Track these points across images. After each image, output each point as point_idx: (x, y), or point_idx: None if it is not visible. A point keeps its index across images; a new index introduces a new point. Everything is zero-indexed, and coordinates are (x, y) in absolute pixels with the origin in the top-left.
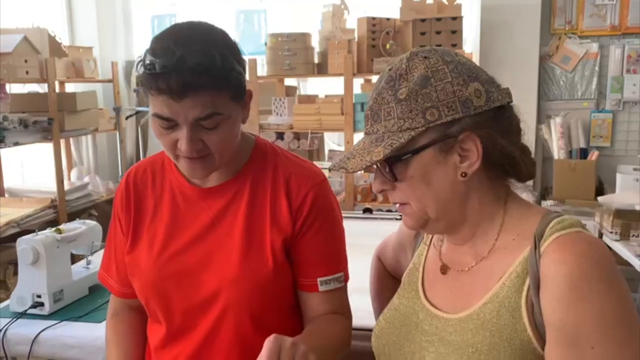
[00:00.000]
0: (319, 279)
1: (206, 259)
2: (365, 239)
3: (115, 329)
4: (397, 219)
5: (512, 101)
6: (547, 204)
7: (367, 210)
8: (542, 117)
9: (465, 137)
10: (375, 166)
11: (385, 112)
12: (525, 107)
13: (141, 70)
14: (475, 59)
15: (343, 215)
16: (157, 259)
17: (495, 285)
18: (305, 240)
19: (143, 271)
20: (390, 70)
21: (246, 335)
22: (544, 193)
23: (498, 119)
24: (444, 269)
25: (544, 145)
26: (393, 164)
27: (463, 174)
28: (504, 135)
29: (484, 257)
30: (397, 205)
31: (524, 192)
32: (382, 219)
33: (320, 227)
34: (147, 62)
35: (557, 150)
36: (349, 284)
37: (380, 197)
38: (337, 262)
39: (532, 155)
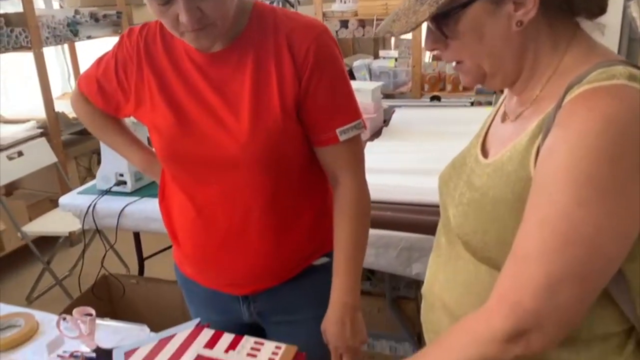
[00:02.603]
0: (337, 130)
1: (220, 124)
2: (436, 126)
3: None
4: (466, 106)
5: None
6: None
7: (435, 98)
8: None
9: None
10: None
11: None
12: None
13: None
14: None
15: (409, 104)
16: (174, 122)
17: (522, 134)
18: (316, 93)
19: (162, 132)
20: None
21: (265, 193)
22: None
23: None
24: (504, 117)
25: (632, 25)
26: (441, 22)
27: (518, 23)
28: None
29: (527, 107)
30: (454, 64)
31: (594, 31)
32: (451, 106)
33: (328, 77)
34: None
35: None
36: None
37: (449, 87)
38: (352, 110)
39: (618, 36)
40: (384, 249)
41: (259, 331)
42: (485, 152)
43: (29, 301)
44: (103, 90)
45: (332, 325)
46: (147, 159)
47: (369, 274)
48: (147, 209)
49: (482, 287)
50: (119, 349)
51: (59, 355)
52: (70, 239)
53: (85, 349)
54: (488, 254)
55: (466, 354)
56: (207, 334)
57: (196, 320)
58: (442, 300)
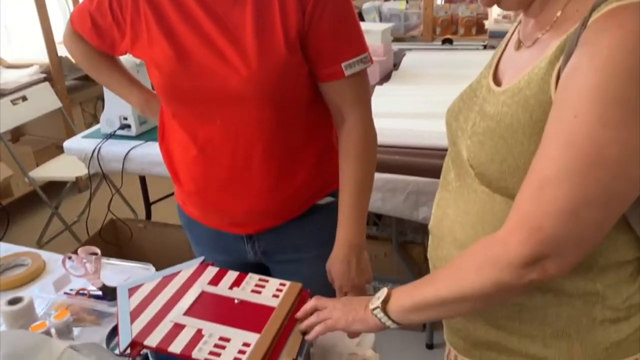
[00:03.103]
0: (342, 64)
1: (221, 57)
2: (447, 70)
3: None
4: (479, 49)
5: None
6: None
7: (447, 41)
8: None
9: None
10: None
11: None
12: None
13: None
14: None
15: (420, 47)
16: (173, 56)
17: (540, 58)
18: (319, 23)
19: (161, 67)
20: None
21: (268, 129)
22: None
23: None
24: (518, 45)
25: None
26: None
27: None
28: None
29: (546, 30)
30: None
31: None
32: (463, 49)
33: (332, 7)
34: None
35: None
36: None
37: (461, 30)
38: (358, 43)
39: None
40: (391, 193)
41: (264, 271)
42: (497, 82)
43: (40, 245)
44: (97, 26)
45: (337, 264)
46: (145, 98)
47: (376, 219)
48: (152, 153)
49: (496, 217)
50: (123, 286)
51: (65, 293)
52: (79, 185)
53: (91, 287)
54: (504, 183)
55: (479, 277)
56: (211, 271)
57: (200, 258)
58: (453, 235)
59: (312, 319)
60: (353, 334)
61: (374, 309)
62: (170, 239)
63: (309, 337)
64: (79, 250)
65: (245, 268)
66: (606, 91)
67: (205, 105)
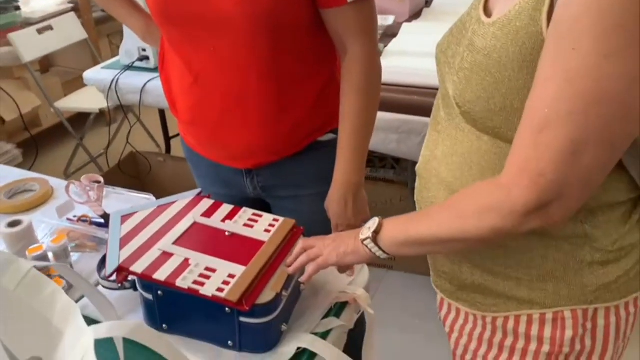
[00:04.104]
0: None
1: None
2: None
3: None
4: None
5: None
6: None
7: None
8: None
9: None
10: None
11: None
12: None
13: None
14: None
15: None
16: None
17: None
18: None
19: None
20: None
21: (263, 57)
22: None
23: None
24: None
25: None
26: None
27: None
28: None
29: None
30: None
31: None
32: None
33: None
34: None
35: None
36: None
37: None
38: None
39: None
40: (407, 134)
41: (265, 207)
42: (488, 13)
43: (66, 176)
44: None
45: (334, 203)
46: (146, 23)
47: (394, 162)
48: None
49: (483, 158)
50: (117, 213)
51: (68, 219)
52: (106, 119)
53: (93, 215)
54: (491, 123)
55: (481, 222)
56: (206, 203)
57: (197, 190)
58: (440, 176)
59: (302, 259)
60: (344, 268)
61: (364, 240)
62: (190, 173)
63: (303, 278)
64: (82, 178)
65: (246, 203)
66: (605, 18)
67: (197, 30)
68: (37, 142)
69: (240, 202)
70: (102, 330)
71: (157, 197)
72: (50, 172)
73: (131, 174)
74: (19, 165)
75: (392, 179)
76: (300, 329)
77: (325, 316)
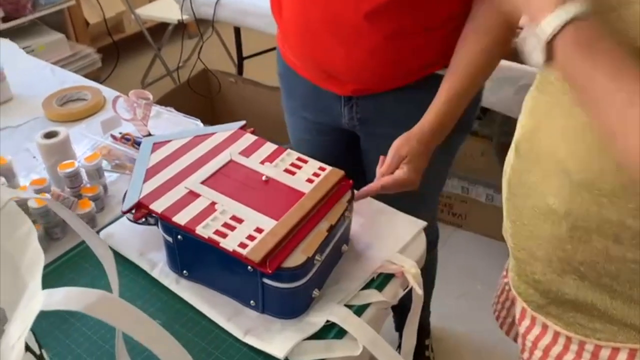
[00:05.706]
0: None
1: None
2: None
3: None
4: None
5: None
6: None
7: None
8: None
9: None
10: None
11: None
12: None
13: None
14: None
15: None
16: None
17: None
18: None
19: None
20: None
21: None
22: None
23: None
24: None
25: None
26: None
27: None
28: None
29: None
30: None
31: None
32: None
33: None
34: None
35: None
36: None
37: None
38: None
39: None
40: (499, 83)
41: (354, 139)
42: None
43: (143, 85)
44: None
45: (404, 146)
46: None
47: (481, 113)
48: (245, 1)
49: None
50: (149, 139)
51: (111, 135)
52: (189, 32)
53: (137, 134)
54: None
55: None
56: (247, 139)
57: (240, 123)
58: (554, 156)
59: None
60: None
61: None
62: (260, 99)
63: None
64: (131, 93)
65: (334, 133)
66: None
67: None
68: (118, 47)
69: (329, 131)
70: (53, 299)
71: (222, 120)
72: (128, 79)
73: (201, 92)
74: (97, 71)
75: (476, 130)
76: (333, 298)
77: (365, 287)
